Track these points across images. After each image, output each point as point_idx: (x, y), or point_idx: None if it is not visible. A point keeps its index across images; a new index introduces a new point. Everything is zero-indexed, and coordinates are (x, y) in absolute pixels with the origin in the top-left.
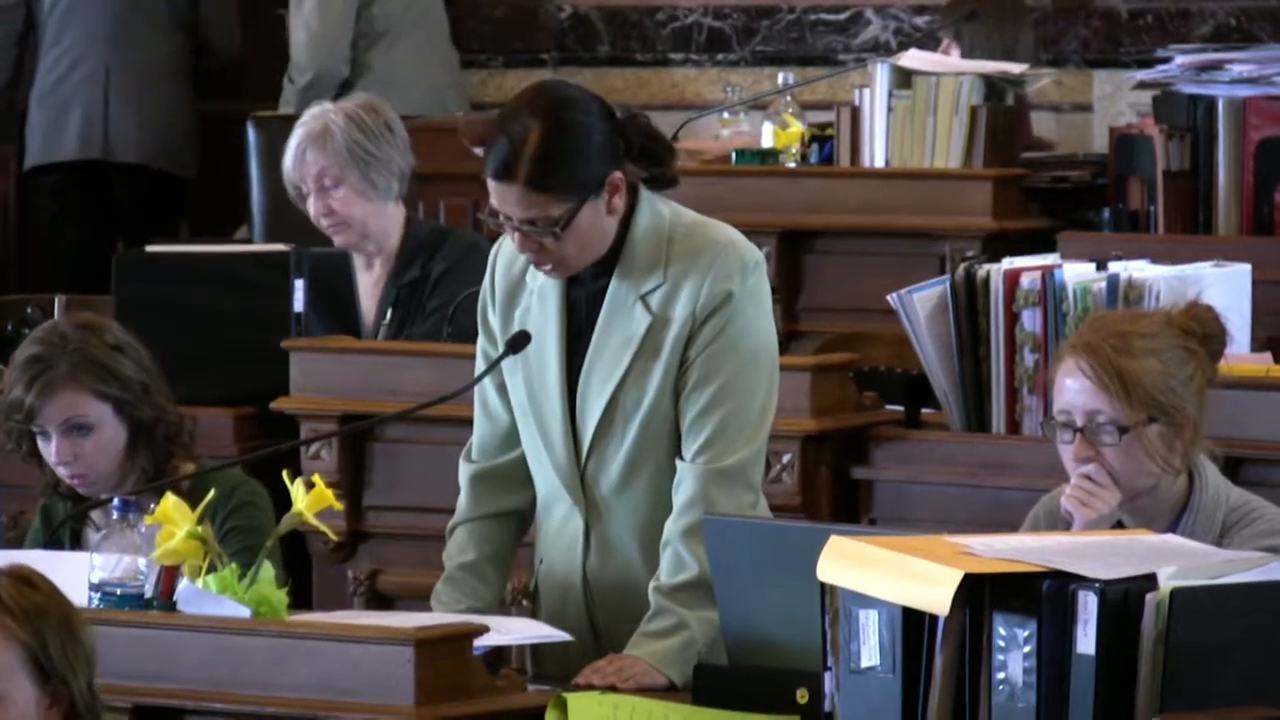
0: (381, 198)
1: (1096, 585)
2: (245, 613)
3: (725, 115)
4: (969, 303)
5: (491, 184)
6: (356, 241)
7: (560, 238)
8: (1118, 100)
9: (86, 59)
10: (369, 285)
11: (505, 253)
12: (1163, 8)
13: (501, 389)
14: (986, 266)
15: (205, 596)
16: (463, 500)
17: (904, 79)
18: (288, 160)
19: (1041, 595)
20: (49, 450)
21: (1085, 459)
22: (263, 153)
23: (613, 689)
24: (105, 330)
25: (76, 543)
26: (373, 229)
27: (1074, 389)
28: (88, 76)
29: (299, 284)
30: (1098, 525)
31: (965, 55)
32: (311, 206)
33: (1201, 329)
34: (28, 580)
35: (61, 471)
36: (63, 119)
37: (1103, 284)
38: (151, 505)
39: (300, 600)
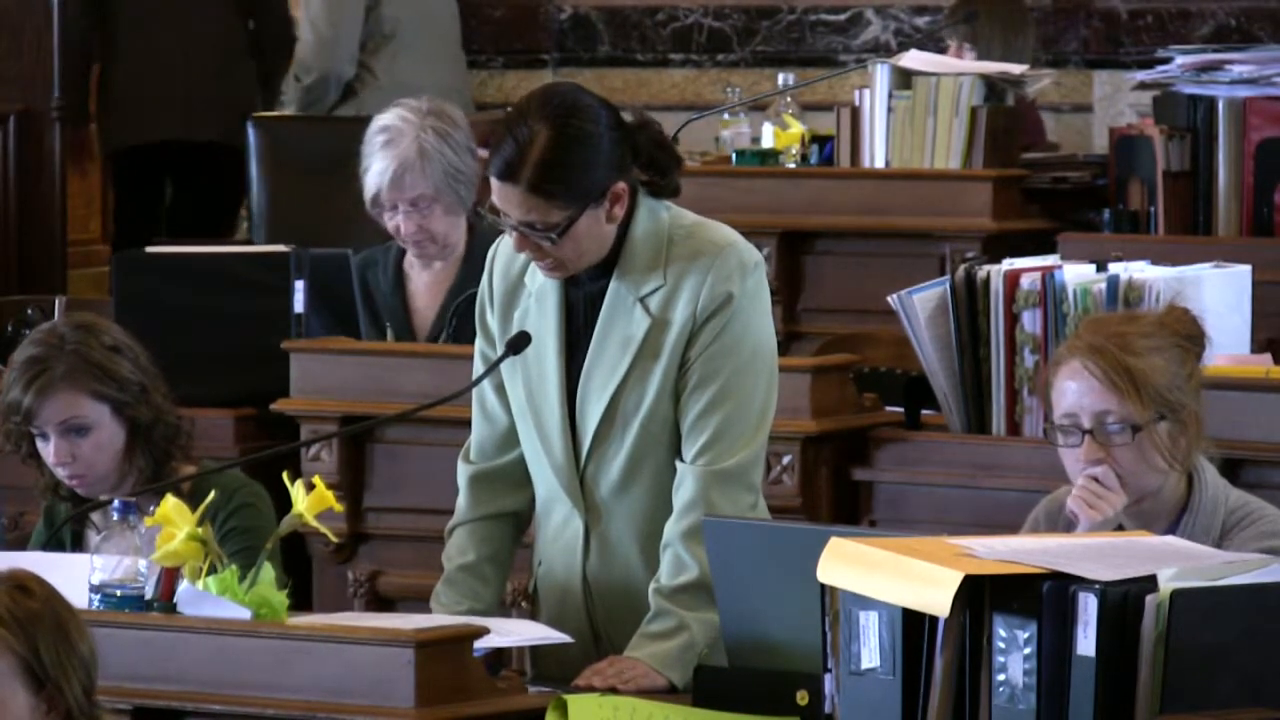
0: (463, 209)
1: (1097, 587)
2: (245, 614)
3: (725, 116)
4: (969, 304)
5: (494, 183)
6: (437, 253)
7: (557, 242)
8: (1118, 100)
9: (162, 38)
10: (427, 282)
11: (503, 254)
12: (1163, 8)
13: (500, 390)
14: (986, 267)
15: (205, 598)
16: (461, 501)
17: (904, 80)
18: (381, 179)
19: (1042, 597)
20: (47, 451)
21: (1095, 461)
22: (263, 153)
23: (613, 690)
24: (103, 331)
25: (78, 544)
26: (452, 239)
27: (1080, 391)
28: (165, 56)
29: (299, 284)
30: (1103, 528)
31: (981, 58)
32: (400, 224)
33: (1185, 330)
34: (22, 586)
35: (60, 472)
36: (142, 99)
37: (1103, 285)
38: (151, 507)
39: (300, 602)
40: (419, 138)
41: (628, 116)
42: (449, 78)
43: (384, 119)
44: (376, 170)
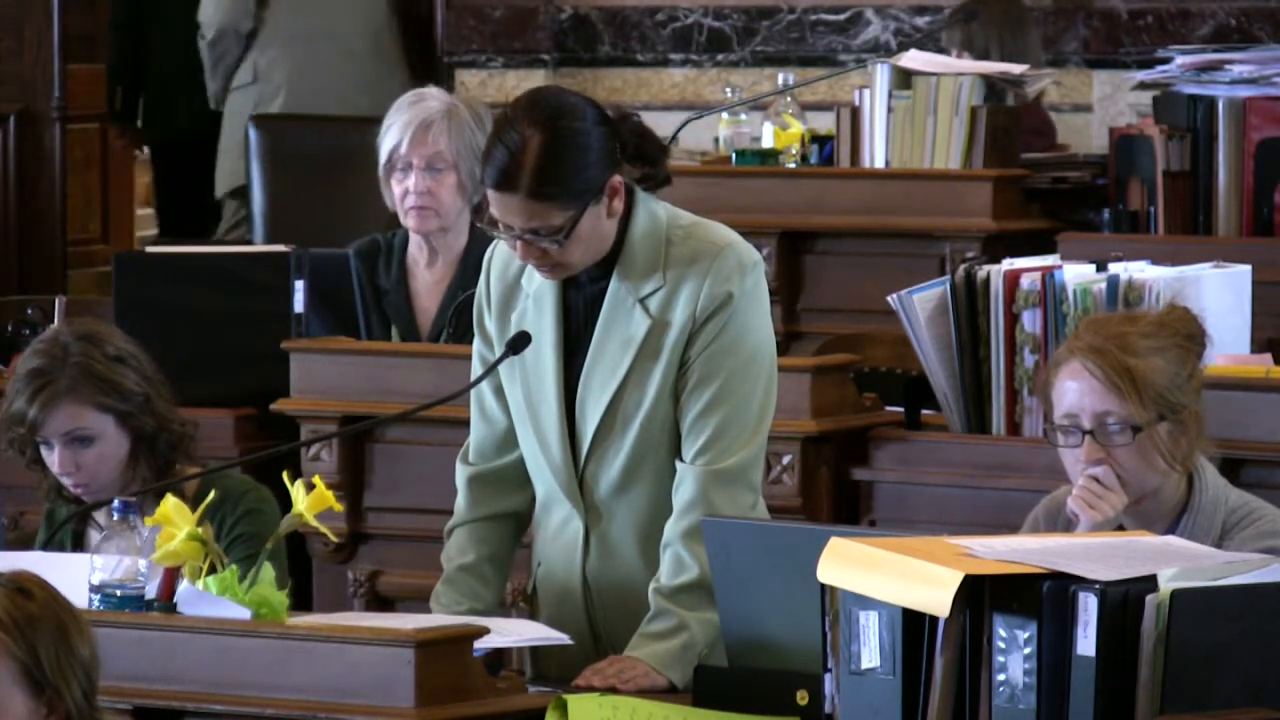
0: (470, 197)
1: (1097, 587)
2: (245, 614)
3: (725, 116)
4: (969, 303)
5: (492, 194)
6: (434, 229)
7: (564, 245)
8: (1118, 100)
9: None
10: (429, 282)
11: (500, 256)
12: (1163, 8)
13: (499, 392)
14: (986, 267)
15: (205, 598)
16: (460, 502)
17: (904, 79)
18: (402, 134)
19: (1042, 596)
20: (52, 459)
21: (1096, 461)
22: (264, 153)
23: (613, 690)
24: (106, 340)
25: (79, 545)
26: (451, 224)
27: (1081, 391)
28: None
29: (299, 284)
30: (1103, 528)
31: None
32: (411, 182)
33: (1185, 330)
34: (24, 589)
35: (65, 481)
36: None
37: (1103, 285)
38: (154, 507)
39: (301, 602)
40: (449, 103)
41: (608, 112)
42: (363, 21)
43: (416, 90)
44: (399, 125)
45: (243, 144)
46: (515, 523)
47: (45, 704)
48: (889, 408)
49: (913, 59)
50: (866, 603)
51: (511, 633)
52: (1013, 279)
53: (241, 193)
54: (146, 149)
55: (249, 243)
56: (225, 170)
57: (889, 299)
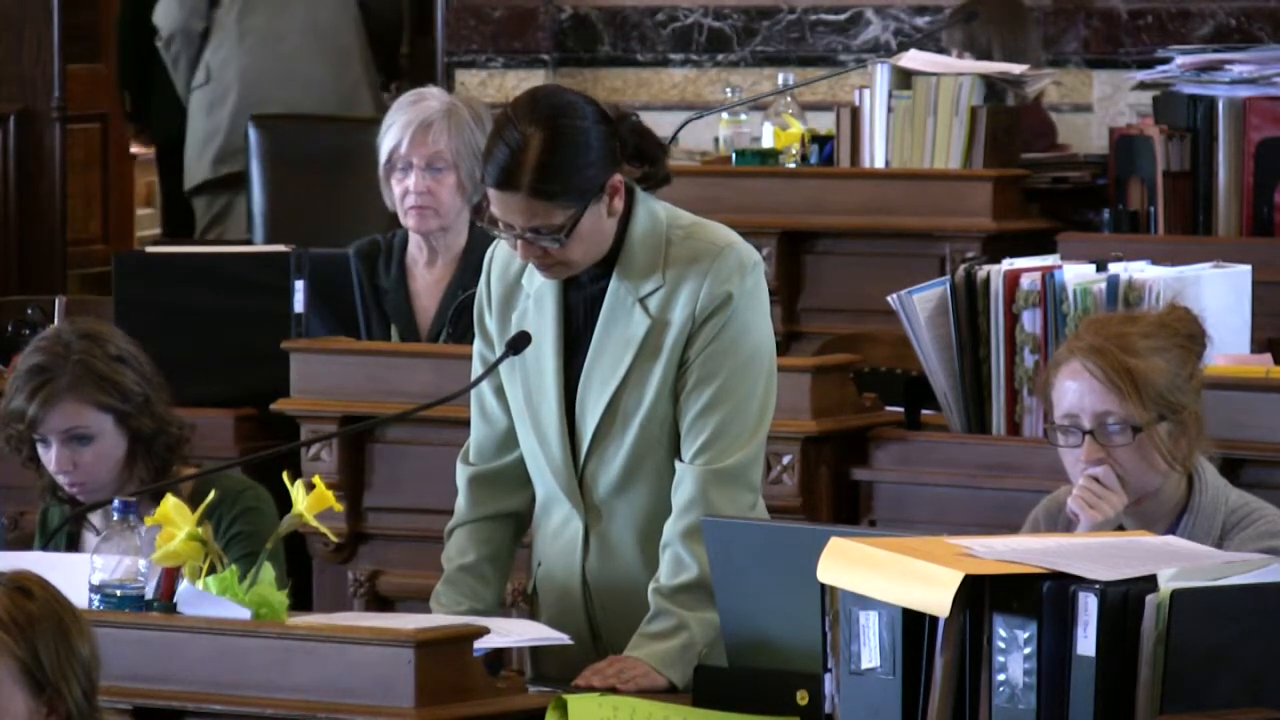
0: (470, 197)
1: (1097, 587)
2: (245, 614)
3: (725, 116)
4: (969, 303)
5: (493, 193)
6: (434, 229)
7: (565, 244)
8: (1118, 100)
9: None
10: (429, 282)
11: (500, 256)
12: (1163, 8)
13: (499, 392)
14: (986, 267)
15: (205, 598)
16: (461, 502)
17: (904, 79)
18: (403, 134)
19: (1042, 597)
20: (49, 457)
21: (1096, 461)
22: (263, 153)
23: (613, 690)
24: (108, 340)
25: (73, 546)
26: (451, 223)
27: (1081, 391)
28: None
29: (299, 284)
30: (1103, 528)
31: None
32: (411, 182)
33: (1186, 330)
34: (24, 589)
35: (61, 479)
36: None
37: (1103, 285)
38: (152, 509)
39: (300, 601)
40: (449, 103)
41: (607, 111)
42: (320, 21)
43: (416, 89)
44: (399, 125)
45: (202, 143)
46: (515, 523)
47: (45, 704)
48: (889, 408)
49: (913, 59)
50: (866, 603)
51: (511, 633)
52: (1013, 279)
53: (205, 189)
54: (152, 148)
55: (230, 241)
56: (189, 169)
57: (889, 299)
